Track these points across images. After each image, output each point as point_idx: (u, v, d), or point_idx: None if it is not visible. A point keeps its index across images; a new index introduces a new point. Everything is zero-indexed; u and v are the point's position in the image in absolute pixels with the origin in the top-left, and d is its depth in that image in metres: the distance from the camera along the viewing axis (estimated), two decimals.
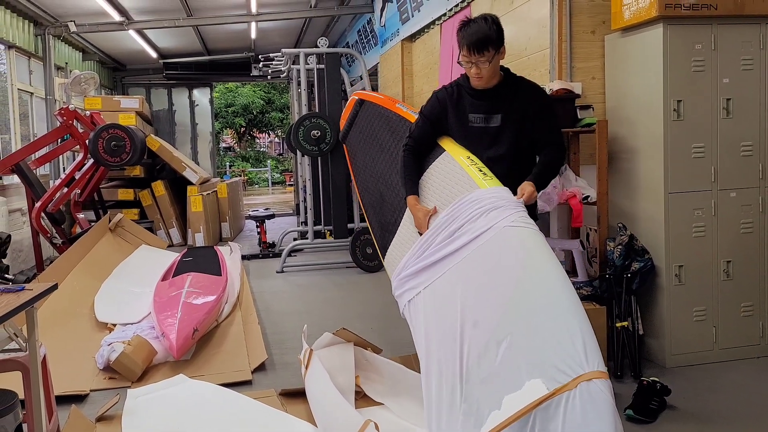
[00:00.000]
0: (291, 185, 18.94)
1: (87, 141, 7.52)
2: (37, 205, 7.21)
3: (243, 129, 28.62)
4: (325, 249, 8.74)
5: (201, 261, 6.57)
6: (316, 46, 8.21)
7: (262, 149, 31.85)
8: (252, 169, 27.85)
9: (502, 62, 3.31)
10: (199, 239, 9.52)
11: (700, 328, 4.18)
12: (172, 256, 7.05)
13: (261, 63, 10.02)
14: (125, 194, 9.89)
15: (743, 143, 4.21)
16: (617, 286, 4.09)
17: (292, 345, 4.70)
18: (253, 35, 11.88)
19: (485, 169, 3.19)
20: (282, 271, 7.79)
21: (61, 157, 9.45)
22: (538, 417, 2.25)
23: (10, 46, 8.54)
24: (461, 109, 3.40)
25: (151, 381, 4.07)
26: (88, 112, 8.26)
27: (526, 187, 3.12)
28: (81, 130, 7.72)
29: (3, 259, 6.08)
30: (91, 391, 4.02)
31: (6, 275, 5.94)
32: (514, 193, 3.07)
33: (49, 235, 7.52)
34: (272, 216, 9.66)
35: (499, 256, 2.80)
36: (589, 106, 4.49)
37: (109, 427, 3.45)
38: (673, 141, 4.08)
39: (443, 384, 2.68)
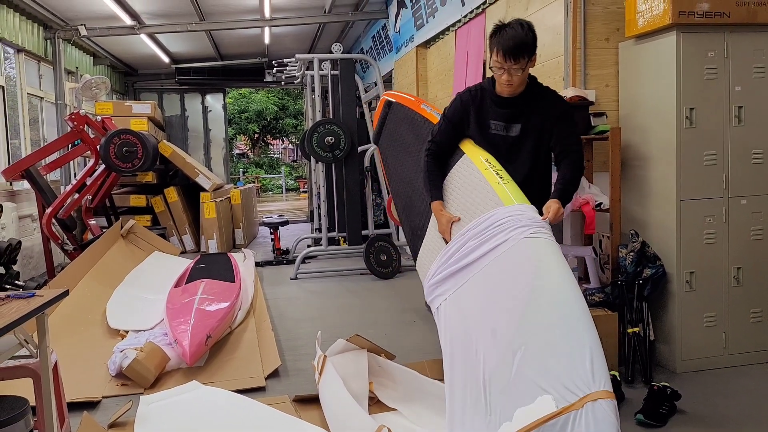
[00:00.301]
0: (305, 192, 18.95)
1: (98, 146, 7.47)
2: (48, 211, 7.18)
3: (257, 135, 28.57)
4: (339, 256, 8.77)
5: (214, 267, 6.54)
6: (331, 52, 8.18)
7: (276, 156, 31.80)
8: (266, 176, 27.83)
9: None
10: (212, 246, 9.49)
11: (710, 333, 4.19)
12: (185, 263, 7.06)
13: (275, 69, 9.96)
14: (137, 200, 9.91)
15: (754, 151, 4.20)
16: (629, 293, 4.10)
17: (306, 351, 4.71)
18: (267, 40, 11.83)
19: (502, 172, 3.19)
20: (296, 278, 7.77)
21: (71, 162, 9.34)
22: None
23: (19, 50, 8.36)
24: (483, 114, 3.38)
25: (164, 387, 4.06)
26: (99, 117, 8.22)
27: (552, 206, 3.07)
28: (92, 136, 7.65)
29: (13, 266, 6.05)
30: (103, 397, 4.01)
31: (17, 281, 5.95)
32: (533, 200, 3.06)
33: (60, 241, 7.46)
34: (286, 223, 9.63)
35: (515, 265, 2.82)
36: (603, 113, 4.49)
37: None
38: (685, 148, 4.08)
39: (467, 395, 2.71)
